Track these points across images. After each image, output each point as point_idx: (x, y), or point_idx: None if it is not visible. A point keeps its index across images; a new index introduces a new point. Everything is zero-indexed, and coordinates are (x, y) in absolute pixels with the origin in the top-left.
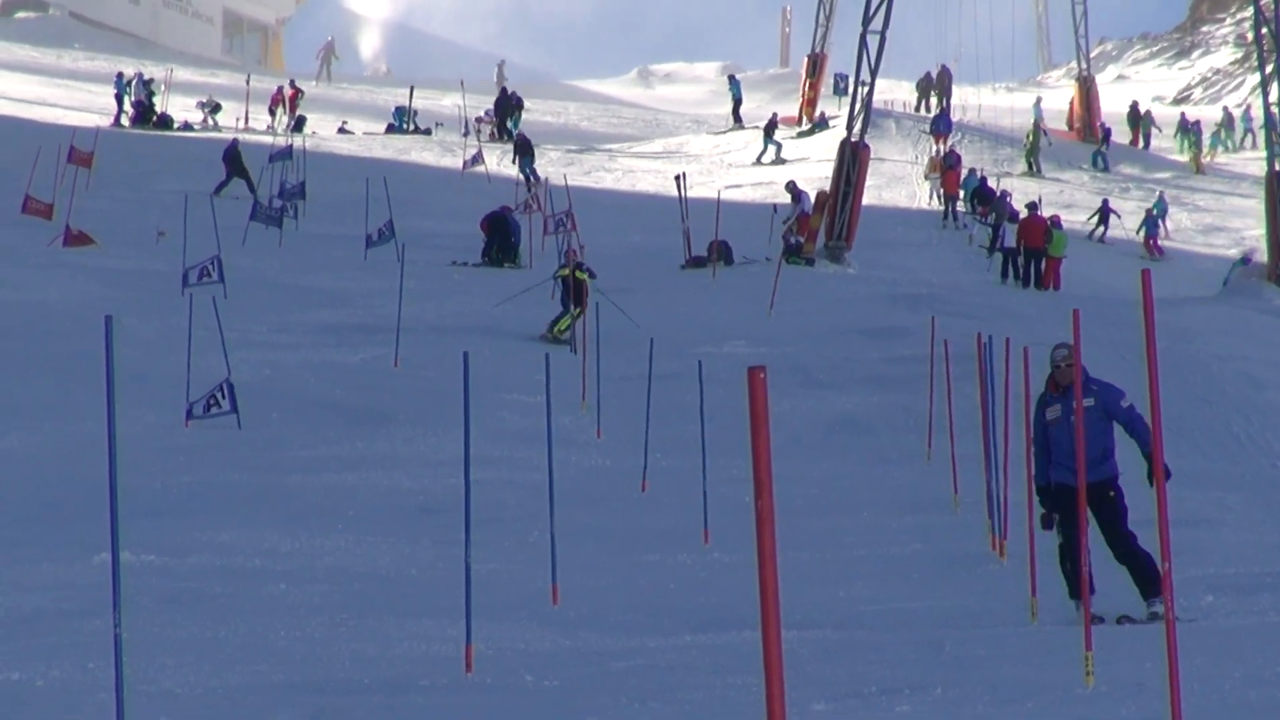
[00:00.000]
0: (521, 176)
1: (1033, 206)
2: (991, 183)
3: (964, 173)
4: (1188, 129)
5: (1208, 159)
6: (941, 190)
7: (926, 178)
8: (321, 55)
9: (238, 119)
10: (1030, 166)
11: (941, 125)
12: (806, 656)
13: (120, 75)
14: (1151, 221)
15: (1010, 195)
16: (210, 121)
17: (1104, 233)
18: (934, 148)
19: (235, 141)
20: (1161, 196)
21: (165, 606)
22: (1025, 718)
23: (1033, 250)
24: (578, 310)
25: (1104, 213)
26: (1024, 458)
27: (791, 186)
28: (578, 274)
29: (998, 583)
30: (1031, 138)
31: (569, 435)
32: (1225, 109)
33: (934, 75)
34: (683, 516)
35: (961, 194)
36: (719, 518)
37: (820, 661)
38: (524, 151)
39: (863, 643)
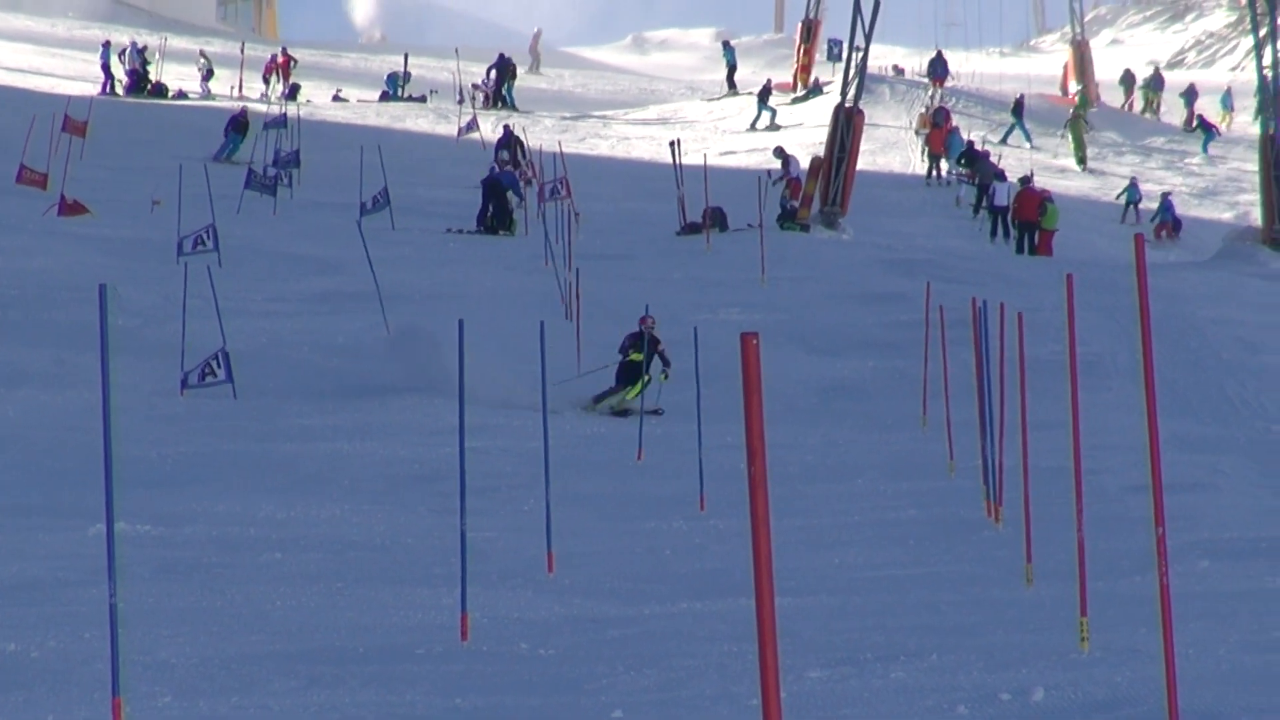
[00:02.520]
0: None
1: (1026, 179)
2: (991, 152)
3: (952, 130)
4: (1157, 85)
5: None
6: (926, 148)
7: (917, 133)
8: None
9: (231, 87)
10: (1079, 160)
11: (939, 69)
12: (802, 623)
13: (106, 45)
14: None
15: (989, 153)
16: (206, 89)
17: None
18: (930, 92)
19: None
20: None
21: (161, 576)
22: (1020, 683)
23: (1026, 223)
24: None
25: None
26: (1019, 423)
27: (779, 152)
28: (634, 356)
29: (993, 548)
30: (1073, 131)
31: (565, 403)
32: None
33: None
34: (679, 484)
35: (946, 152)
36: (715, 484)
37: (816, 628)
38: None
39: (858, 609)
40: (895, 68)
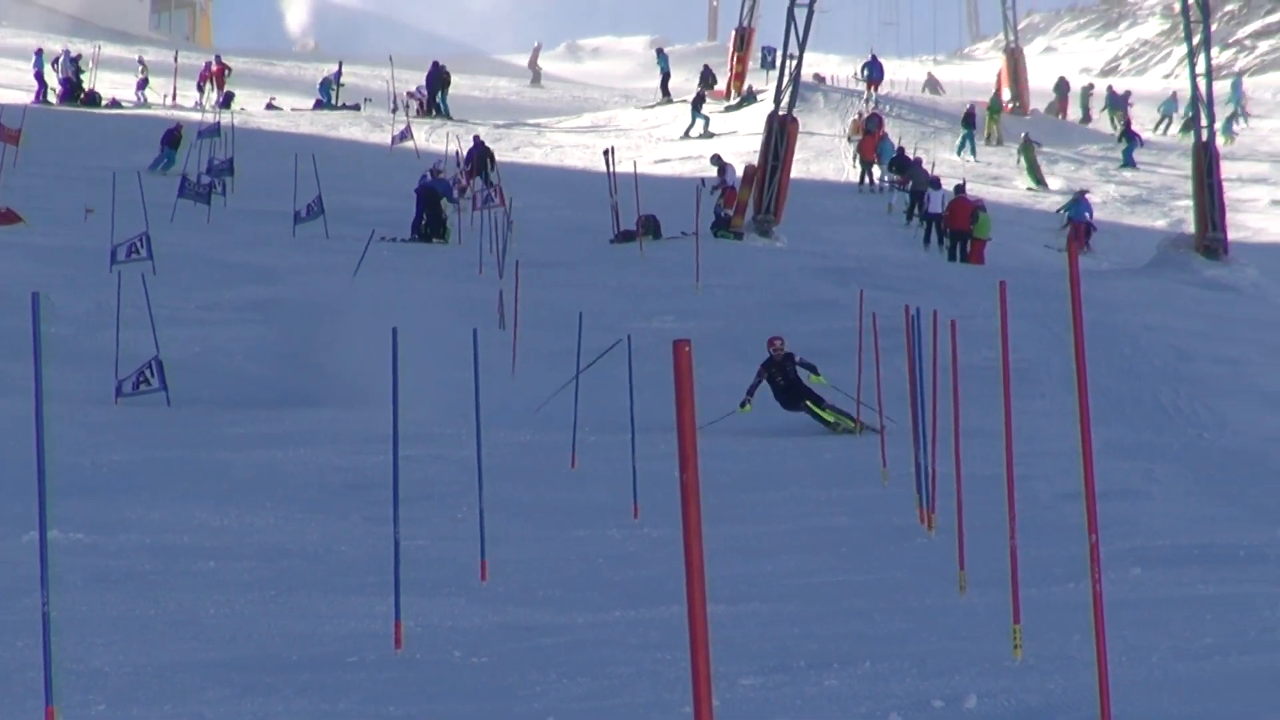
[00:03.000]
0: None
1: (959, 188)
2: (923, 159)
3: (883, 137)
4: (1115, 103)
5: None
6: (858, 155)
7: (850, 140)
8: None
9: (165, 95)
10: (1037, 181)
11: (875, 72)
12: (735, 630)
13: (39, 53)
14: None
15: (921, 160)
16: (141, 97)
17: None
18: (865, 94)
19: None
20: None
21: (94, 585)
22: (953, 691)
23: (958, 232)
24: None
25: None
26: (952, 430)
27: (716, 159)
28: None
29: (926, 556)
30: (1025, 155)
31: (498, 411)
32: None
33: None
34: (613, 492)
35: (878, 159)
36: (649, 493)
37: (748, 635)
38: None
39: (791, 616)
40: (816, 76)
